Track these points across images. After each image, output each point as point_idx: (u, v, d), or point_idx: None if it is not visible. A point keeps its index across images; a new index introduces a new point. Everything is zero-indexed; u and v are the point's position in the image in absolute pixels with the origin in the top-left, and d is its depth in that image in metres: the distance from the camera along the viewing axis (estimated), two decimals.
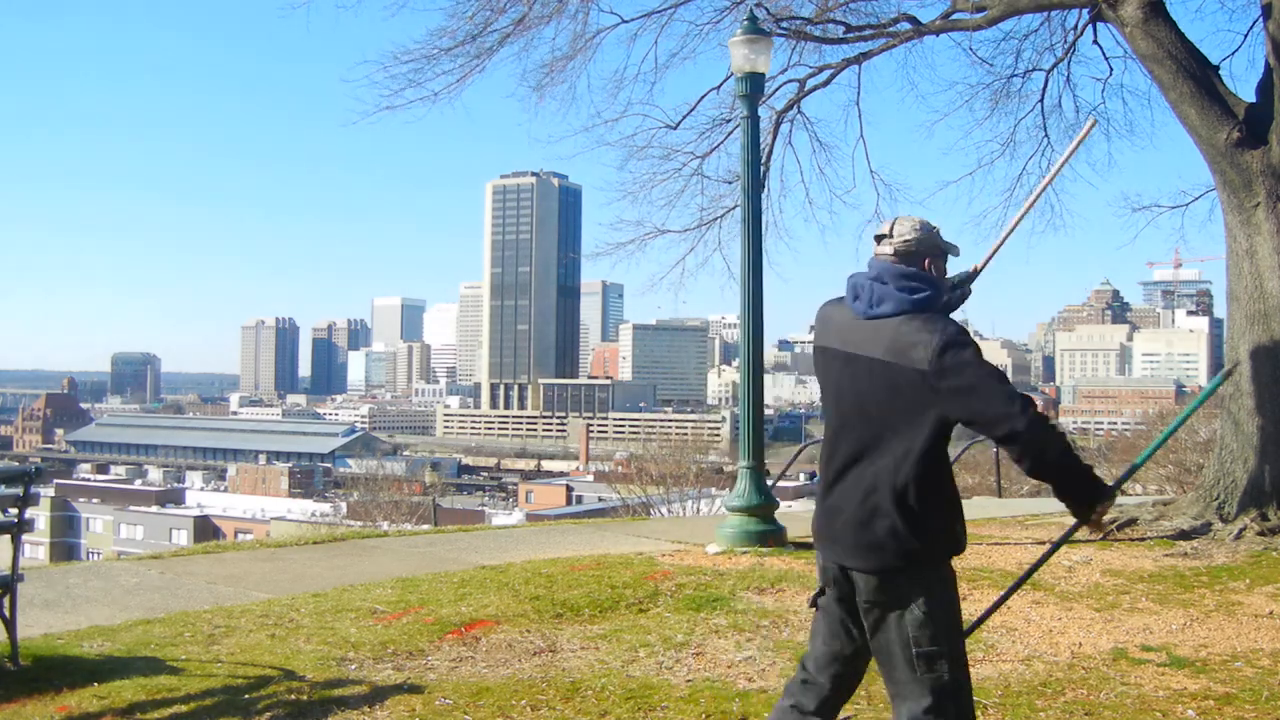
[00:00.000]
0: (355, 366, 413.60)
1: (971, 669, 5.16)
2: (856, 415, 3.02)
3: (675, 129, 13.25)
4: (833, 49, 12.60)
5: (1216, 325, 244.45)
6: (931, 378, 2.86)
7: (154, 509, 74.97)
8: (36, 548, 63.86)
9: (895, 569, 2.92)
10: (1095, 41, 12.65)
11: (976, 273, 3.44)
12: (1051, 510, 12.01)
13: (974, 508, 14.16)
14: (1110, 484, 3.04)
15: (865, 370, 2.98)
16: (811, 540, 3.22)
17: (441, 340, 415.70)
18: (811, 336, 3.29)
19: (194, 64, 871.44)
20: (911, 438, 2.91)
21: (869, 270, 3.08)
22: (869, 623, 2.98)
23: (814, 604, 3.19)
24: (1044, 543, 9.19)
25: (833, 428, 3.11)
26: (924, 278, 3.02)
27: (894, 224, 3.10)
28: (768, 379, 10.83)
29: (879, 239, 3.11)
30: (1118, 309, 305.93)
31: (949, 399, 2.87)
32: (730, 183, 13.20)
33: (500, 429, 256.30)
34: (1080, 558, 8.35)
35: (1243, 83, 10.74)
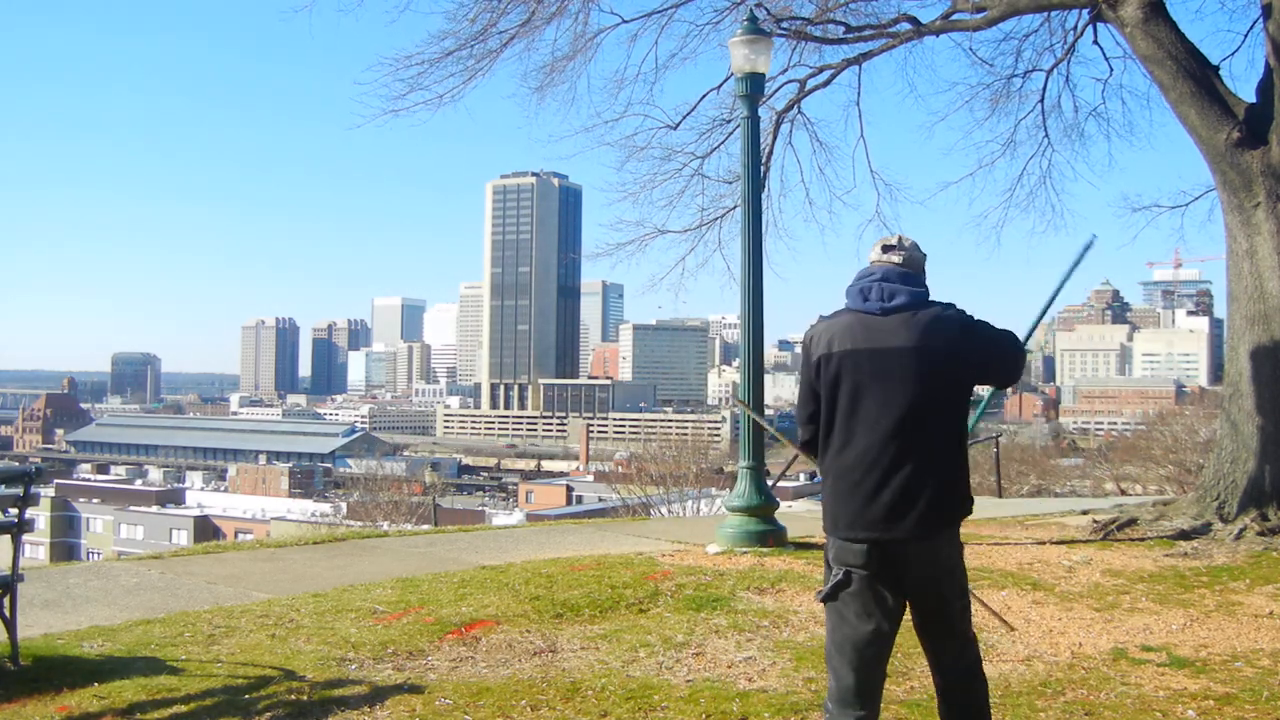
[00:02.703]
0: (355, 367, 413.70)
1: None
2: (884, 404, 3.28)
3: (675, 129, 13.28)
4: (833, 49, 12.62)
5: (1216, 325, 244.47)
6: (962, 353, 3.29)
7: (154, 509, 74.98)
8: (36, 548, 63.87)
9: (944, 535, 3.33)
10: (1095, 42, 12.68)
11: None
12: (1051, 510, 12.02)
13: (975, 507, 14.16)
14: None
15: (896, 360, 3.28)
16: (826, 536, 3.39)
17: (441, 340, 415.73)
18: (815, 349, 3.44)
19: (195, 66, 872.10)
20: (947, 416, 3.31)
21: (874, 273, 3.43)
22: (919, 589, 3.30)
23: (832, 597, 3.32)
24: (1044, 543, 9.19)
25: (859, 419, 3.32)
26: (922, 280, 3.47)
27: (900, 238, 3.53)
28: (768, 379, 10.83)
29: (887, 249, 3.49)
30: (1118, 309, 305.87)
31: (976, 368, 3.34)
32: (730, 183, 13.22)
33: (500, 429, 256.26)
34: (1080, 558, 8.35)
35: (1243, 83, 10.75)
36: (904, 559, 3.27)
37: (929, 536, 3.28)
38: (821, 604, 3.40)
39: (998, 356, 3.38)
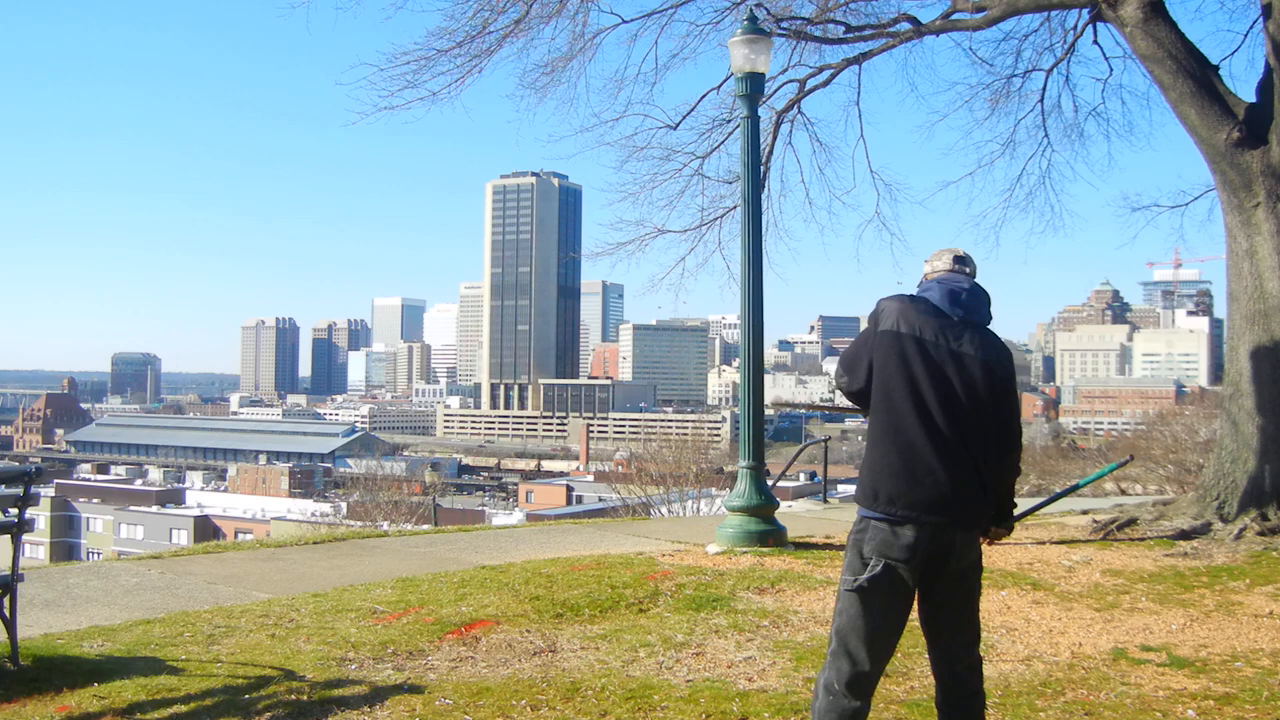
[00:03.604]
0: (355, 367, 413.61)
1: None
2: (948, 398, 3.39)
3: (675, 129, 13.27)
4: (833, 49, 12.63)
5: (1216, 325, 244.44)
6: (1007, 379, 3.49)
7: (154, 509, 74.95)
8: (36, 548, 63.89)
9: (979, 531, 3.49)
10: (1095, 42, 12.69)
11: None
12: (1051, 510, 12.02)
13: None
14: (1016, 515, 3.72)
15: (965, 365, 3.42)
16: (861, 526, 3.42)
17: (441, 340, 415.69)
18: (886, 322, 3.50)
19: (194, 67, 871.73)
20: (990, 429, 3.44)
21: (965, 285, 3.55)
22: (959, 575, 3.41)
23: (866, 589, 3.34)
24: (1044, 543, 9.19)
25: (920, 405, 3.40)
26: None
27: (967, 254, 3.67)
28: (768, 379, 10.84)
29: (961, 260, 3.64)
30: (1118, 309, 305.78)
31: (1005, 399, 3.46)
32: (730, 183, 13.21)
33: (500, 429, 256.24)
34: (1080, 558, 8.36)
35: (1243, 83, 10.77)
36: (949, 547, 3.36)
37: (974, 527, 3.43)
38: (851, 591, 3.38)
39: (1009, 416, 3.51)
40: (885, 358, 3.46)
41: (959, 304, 3.50)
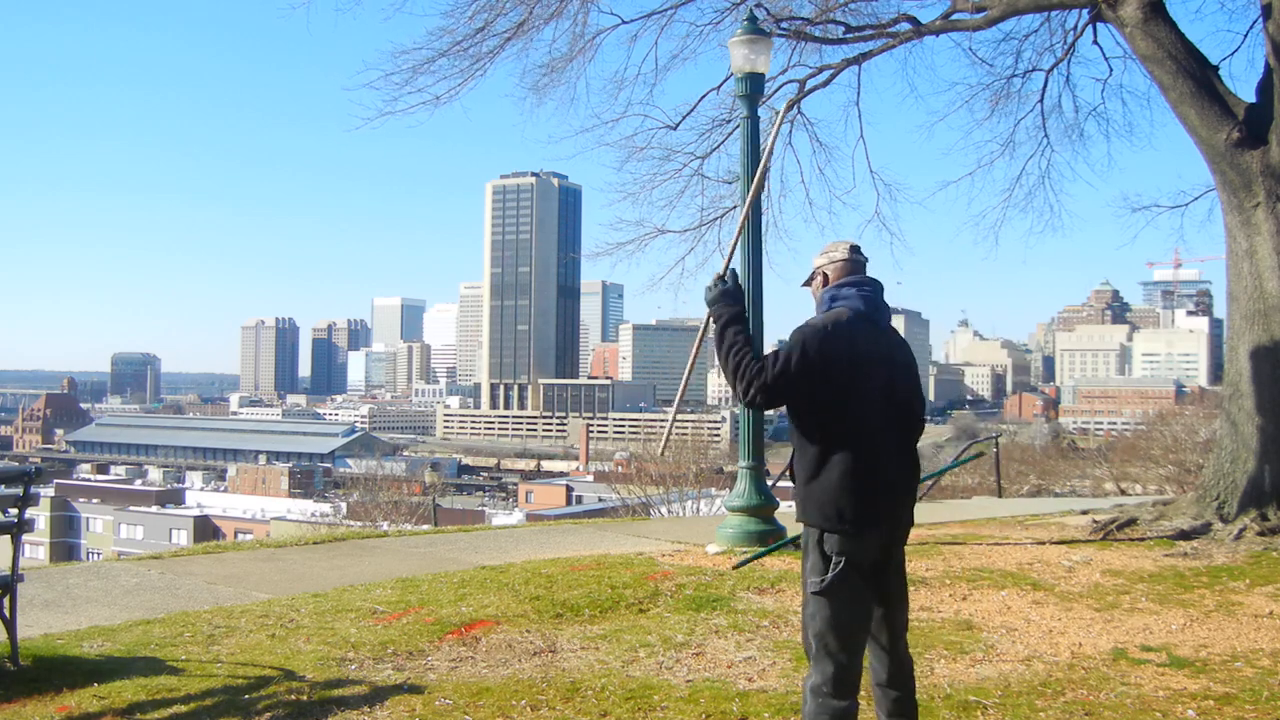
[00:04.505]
0: (355, 367, 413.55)
1: (972, 669, 5.19)
2: (900, 409, 3.49)
3: (675, 129, 13.26)
4: (833, 49, 12.62)
5: (1216, 325, 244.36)
6: (916, 369, 3.67)
7: (154, 509, 74.94)
8: (36, 548, 63.88)
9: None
10: (1095, 42, 12.69)
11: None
12: (1051, 510, 12.02)
13: (974, 508, 14.15)
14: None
15: (900, 372, 3.53)
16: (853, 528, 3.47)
17: (441, 340, 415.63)
18: (837, 352, 3.38)
19: (194, 67, 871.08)
20: (919, 410, 3.64)
21: (869, 283, 3.56)
22: (899, 566, 3.61)
23: (832, 588, 3.45)
24: (1043, 543, 9.19)
25: (873, 423, 3.40)
26: None
27: (857, 244, 3.67)
28: None
29: (856, 250, 3.63)
30: (1118, 309, 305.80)
31: (919, 389, 3.64)
32: (730, 183, 13.20)
33: (500, 429, 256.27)
34: (1080, 558, 8.36)
35: (1243, 83, 10.76)
36: (894, 545, 3.54)
37: (911, 524, 3.64)
38: (819, 594, 3.45)
39: (921, 401, 3.72)
40: (834, 387, 3.32)
41: (880, 310, 3.54)
